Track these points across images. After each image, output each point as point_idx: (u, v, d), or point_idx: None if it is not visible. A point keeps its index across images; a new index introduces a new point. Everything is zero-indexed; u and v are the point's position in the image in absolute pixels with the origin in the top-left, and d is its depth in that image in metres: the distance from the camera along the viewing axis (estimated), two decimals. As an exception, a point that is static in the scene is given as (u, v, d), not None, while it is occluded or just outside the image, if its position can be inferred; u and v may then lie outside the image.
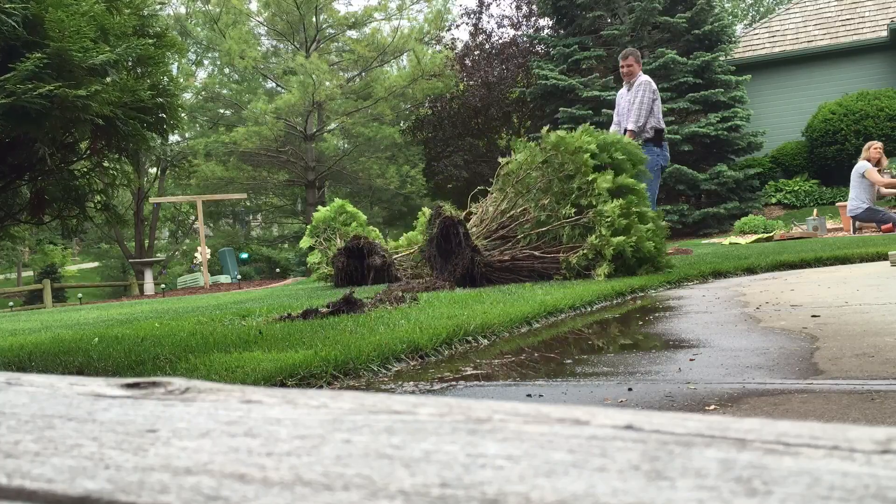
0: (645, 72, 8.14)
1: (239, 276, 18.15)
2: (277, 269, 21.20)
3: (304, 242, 9.20)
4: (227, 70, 22.19)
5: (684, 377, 2.19)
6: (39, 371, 3.16)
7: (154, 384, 0.57)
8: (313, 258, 8.90)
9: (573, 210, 5.68)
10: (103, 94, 2.81)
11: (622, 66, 7.91)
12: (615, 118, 8.11)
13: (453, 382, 2.39)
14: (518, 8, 21.48)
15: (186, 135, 22.31)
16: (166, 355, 3.06)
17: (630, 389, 2.07)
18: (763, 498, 0.32)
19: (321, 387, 2.42)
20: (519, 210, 6.03)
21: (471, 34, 21.70)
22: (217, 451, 0.42)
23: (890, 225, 10.16)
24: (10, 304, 18.38)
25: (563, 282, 5.52)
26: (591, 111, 15.70)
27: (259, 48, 21.76)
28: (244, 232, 28.51)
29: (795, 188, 15.73)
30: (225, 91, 21.68)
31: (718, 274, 5.82)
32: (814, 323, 3.00)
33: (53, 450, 0.45)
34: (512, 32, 21.31)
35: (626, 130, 7.63)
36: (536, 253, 5.87)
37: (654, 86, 7.70)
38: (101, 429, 0.48)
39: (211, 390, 0.55)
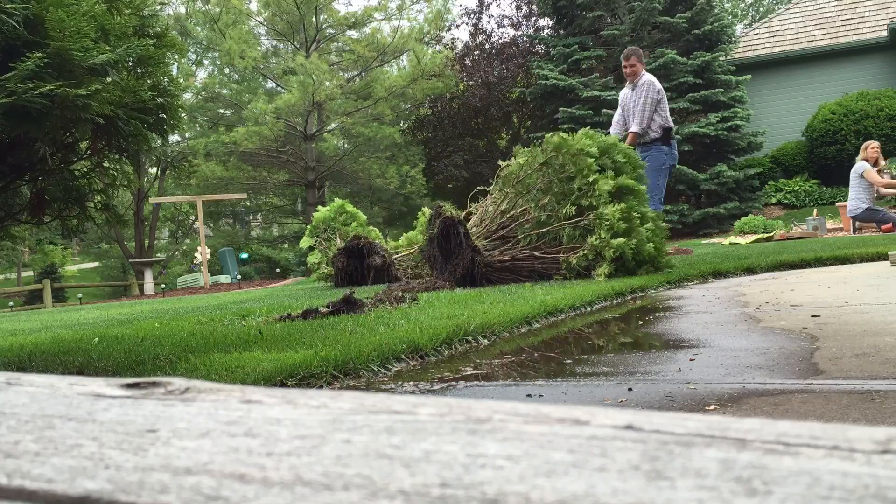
0: (647, 71, 8.10)
1: (239, 276, 18.15)
2: (277, 269, 21.20)
3: (304, 242, 9.20)
4: (227, 70, 22.19)
5: (684, 377, 2.19)
6: (39, 371, 3.16)
7: (154, 384, 0.57)
8: (313, 258, 8.90)
9: (574, 209, 5.69)
10: (104, 94, 2.81)
11: (625, 67, 7.83)
12: (617, 117, 8.06)
13: (453, 382, 2.39)
14: (518, 8, 21.47)
15: (186, 135, 22.31)
16: (166, 355, 3.06)
17: (630, 389, 2.07)
18: (763, 498, 0.32)
19: (321, 387, 2.42)
20: (519, 210, 6.04)
21: (471, 34, 21.70)
22: (217, 451, 0.42)
23: (890, 225, 10.16)
24: (10, 304, 18.38)
25: (563, 282, 5.52)
26: (591, 111, 15.70)
27: (259, 48, 21.76)
28: (244, 232, 28.51)
29: (795, 188, 15.73)
30: (225, 91, 21.68)
31: (718, 274, 5.82)
32: (814, 323, 3.00)
33: (53, 450, 0.45)
34: (512, 32, 21.31)
35: (625, 137, 7.62)
36: (536, 253, 5.88)
37: (658, 85, 7.64)
38: (101, 429, 0.48)
39: (211, 390, 0.55)
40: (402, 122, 22.04)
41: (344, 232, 8.89)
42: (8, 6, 2.69)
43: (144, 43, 3.15)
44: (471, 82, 20.69)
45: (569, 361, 2.66)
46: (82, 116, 2.79)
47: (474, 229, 6.12)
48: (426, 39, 21.67)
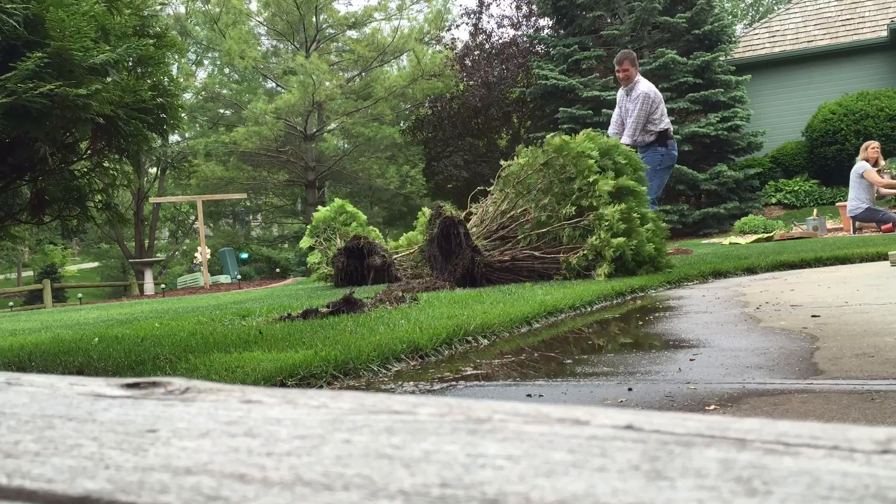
0: (644, 73, 8.08)
1: (239, 276, 18.15)
2: (277, 269, 21.20)
3: (304, 242, 9.20)
4: (227, 70, 22.19)
5: (684, 377, 2.19)
6: (39, 371, 3.16)
7: (154, 384, 0.57)
8: (313, 258, 8.90)
9: (574, 210, 5.70)
10: (104, 94, 2.81)
11: (618, 71, 7.83)
12: (615, 118, 8.07)
13: (453, 382, 2.39)
14: (518, 8, 21.48)
15: (186, 135, 22.31)
16: (166, 355, 3.06)
17: (630, 389, 2.07)
18: (763, 498, 0.32)
19: (321, 387, 2.42)
20: (519, 211, 6.04)
21: (471, 34, 21.70)
22: (217, 451, 0.42)
23: (890, 225, 10.16)
24: (10, 304, 18.38)
25: (563, 282, 5.52)
26: (591, 111, 15.70)
27: (259, 48, 21.76)
28: (244, 232, 28.51)
29: (795, 188, 15.73)
30: (225, 91, 21.68)
31: (718, 274, 5.82)
32: (814, 323, 3.00)
33: (53, 450, 0.45)
34: (512, 32, 21.32)
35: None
36: (536, 253, 5.88)
37: (652, 95, 7.63)
38: (101, 429, 0.48)
39: (211, 390, 0.55)
40: (402, 122, 22.05)
41: (344, 232, 8.89)
42: (8, 6, 2.69)
43: (144, 43, 3.15)
44: (471, 82, 20.69)
45: (569, 361, 2.66)
46: (82, 116, 2.79)
47: (474, 229, 6.12)
48: (426, 39, 21.67)
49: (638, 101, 7.55)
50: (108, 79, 2.97)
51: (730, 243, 10.58)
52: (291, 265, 20.67)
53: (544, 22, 20.41)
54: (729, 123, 15.33)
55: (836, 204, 13.03)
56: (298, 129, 20.50)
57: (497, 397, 2.17)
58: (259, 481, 0.38)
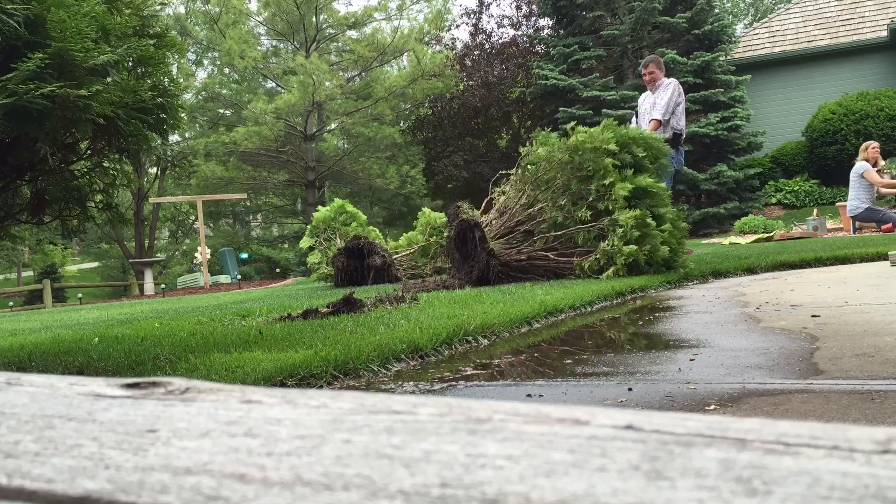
0: (648, 83, 8.05)
1: (239, 276, 18.15)
2: (277, 269, 21.20)
3: (304, 242, 9.20)
4: (227, 70, 22.19)
5: (684, 377, 2.19)
6: (39, 371, 3.16)
7: (154, 384, 0.57)
8: (313, 258, 8.90)
9: (589, 213, 5.73)
10: (104, 94, 2.81)
11: (644, 75, 7.82)
12: (633, 123, 8.02)
13: (453, 382, 2.39)
14: (518, 8, 21.48)
15: (186, 135, 22.32)
16: (166, 355, 3.06)
17: (630, 389, 2.07)
18: (763, 498, 0.32)
19: (321, 387, 2.42)
20: (537, 209, 6.07)
21: (471, 34, 21.70)
22: (217, 451, 0.42)
23: (890, 225, 10.16)
24: (10, 304, 18.38)
25: (573, 280, 5.56)
26: (591, 111, 15.70)
27: (259, 48, 21.77)
28: (244, 232, 28.51)
29: (795, 188, 15.73)
30: (225, 91, 21.68)
31: (718, 274, 5.82)
32: (814, 323, 3.00)
33: (53, 450, 0.45)
34: (512, 32, 21.32)
35: (648, 122, 7.54)
36: (551, 255, 5.94)
37: (681, 88, 7.64)
38: (101, 429, 0.48)
39: (211, 390, 0.55)
40: (402, 122, 22.05)
41: (344, 232, 8.89)
42: (9, 7, 2.69)
43: (144, 43, 3.15)
44: (471, 82, 20.69)
45: (569, 361, 2.66)
46: (83, 117, 2.79)
47: (494, 222, 6.15)
48: (426, 39, 21.68)
49: (670, 87, 7.50)
50: (109, 79, 2.98)
51: (730, 243, 10.59)
52: (291, 265, 20.67)
53: (544, 22, 20.41)
54: (729, 123, 15.33)
55: (836, 204, 13.03)
56: (298, 129, 20.50)
57: (497, 397, 2.17)
58: (259, 481, 0.38)
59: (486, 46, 21.20)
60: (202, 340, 3.49)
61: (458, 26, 30.32)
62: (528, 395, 2.13)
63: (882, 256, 5.87)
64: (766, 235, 11.10)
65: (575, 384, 2.23)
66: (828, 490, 0.32)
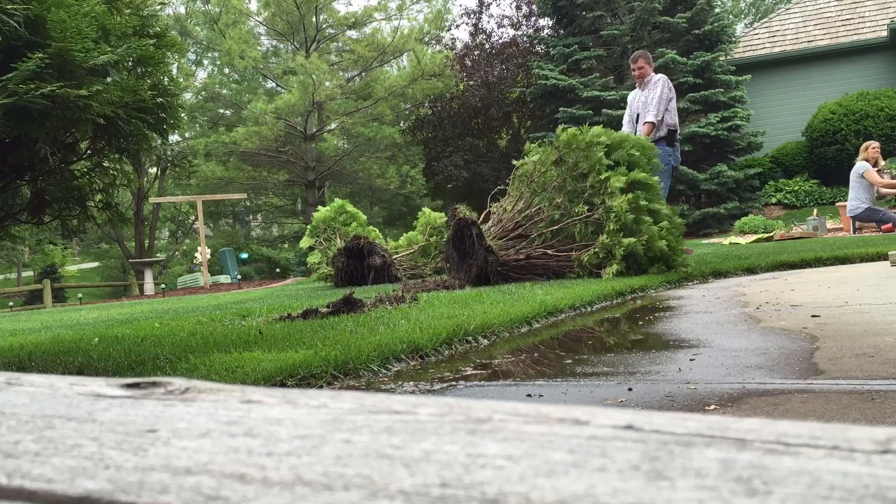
0: (656, 72, 8.01)
1: (239, 276, 18.15)
2: (277, 269, 21.20)
3: (304, 242, 9.21)
4: (227, 70, 22.20)
5: (684, 377, 2.19)
6: (39, 371, 3.16)
7: (154, 384, 0.57)
8: (313, 258, 8.90)
9: (585, 208, 5.72)
10: (104, 94, 2.81)
11: (633, 70, 7.78)
12: (626, 119, 8.00)
13: (453, 382, 2.39)
14: (518, 8, 21.47)
15: (186, 135, 22.32)
16: (166, 355, 3.06)
17: (630, 389, 2.07)
18: (763, 498, 0.32)
19: (321, 387, 2.42)
20: (534, 209, 6.08)
21: (471, 34, 21.69)
22: (217, 451, 0.42)
23: (890, 225, 10.16)
24: (10, 304, 18.38)
25: (574, 280, 5.56)
26: (591, 111, 15.70)
27: (259, 48, 21.77)
28: (244, 232, 28.51)
29: (795, 188, 15.73)
30: (225, 91, 21.68)
31: (718, 274, 5.82)
32: (814, 323, 3.00)
33: (53, 450, 0.45)
34: (512, 32, 21.31)
35: (642, 125, 7.52)
36: (550, 251, 5.92)
37: (671, 83, 7.61)
38: (101, 429, 0.48)
39: (211, 390, 0.55)
40: (402, 122, 22.05)
41: (344, 232, 8.89)
42: (9, 7, 2.69)
43: (144, 43, 3.15)
44: (471, 82, 20.69)
45: (569, 361, 2.66)
46: (83, 117, 2.79)
47: (492, 228, 6.17)
48: (426, 39, 21.68)
49: (658, 84, 7.46)
50: (109, 79, 2.98)
51: (730, 243, 10.58)
52: (291, 265, 20.67)
53: (544, 22, 20.40)
54: (729, 123, 15.32)
55: (836, 204, 13.03)
56: (298, 129, 20.50)
57: (497, 397, 2.17)
58: (259, 481, 0.38)
59: (486, 46, 21.20)
60: (202, 340, 3.49)
61: (458, 26, 30.32)
62: (528, 395, 2.13)
63: (882, 256, 5.87)
64: (766, 235, 11.10)
65: (575, 384, 2.23)
66: (828, 490, 0.32)
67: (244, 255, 21.62)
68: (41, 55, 2.65)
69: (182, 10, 22.47)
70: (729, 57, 16.65)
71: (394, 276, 7.83)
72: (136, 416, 0.50)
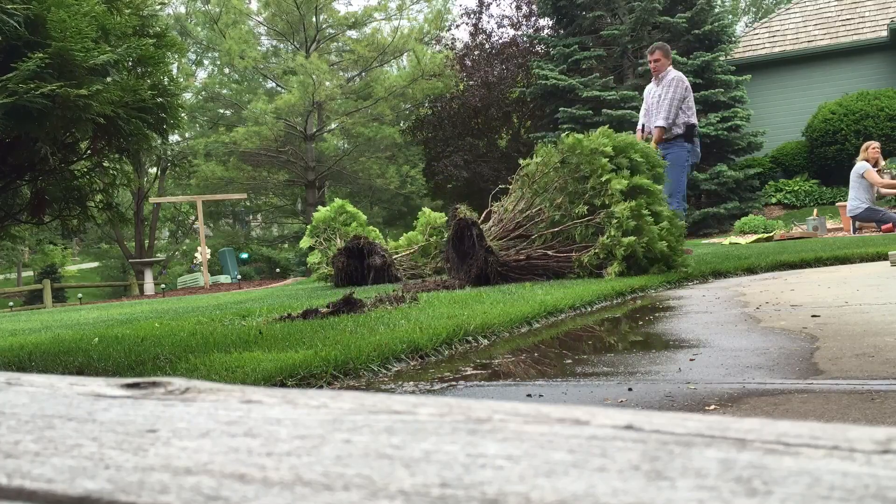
0: (644, 73, 8.00)
1: (239, 276, 18.15)
2: (277, 269, 21.20)
3: (304, 242, 9.21)
4: (227, 70, 22.20)
5: (684, 377, 2.19)
6: (39, 371, 3.16)
7: (154, 384, 0.57)
8: (313, 258, 8.91)
9: (586, 209, 5.74)
10: (104, 94, 2.81)
11: (650, 62, 7.75)
12: (642, 112, 7.96)
13: (453, 382, 2.39)
14: (518, 8, 21.47)
15: (186, 135, 22.33)
16: (166, 355, 3.06)
17: (630, 389, 2.07)
18: (763, 498, 0.32)
19: (321, 387, 2.42)
20: (535, 210, 6.09)
21: (471, 34, 21.69)
22: (217, 451, 0.42)
23: (890, 225, 10.16)
24: (10, 304, 18.39)
25: (574, 280, 5.57)
26: (591, 111, 15.70)
27: (259, 48, 21.77)
28: (244, 232, 28.51)
29: (795, 188, 15.73)
30: (225, 91, 21.69)
31: (718, 274, 5.82)
32: (814, 323, 3.00)
33: (53, 450, 0.45)
34: (512, 32, 21.30)
35: (654, 127, 7.50)
36: (550, 252, 5.94)
37: (686, 82, 7.53)
38: (101, 429, 0.48)
39: (211, 390, 0.55)
40: (402, 122, 22.05)
41: (344, 232, 8.89)
42: (9, 6, 2.69)
43: (144, 43, 3.15)
44: (471, 82, 20.68)
45: (569, 361, 2.66)
46: (83, 116, 2.79)
47: (493, 228, 6.18)
48: (426, 39, 21.68)
49: (672, 84, 7.41)
50: (109, 79, 2.98)
51: (730, 243, 10.59)
52: (291, 265, 20.68)
53: (544, 22, 20.40)
54: (729, 123, 15.32)
55: (836, 204, 13.03)
56: (298, 129, 20.50)
57: (497, 397, 2.17)
58: (259, 481, 0.38)
59: (486, 46, 21.19)
60: (202, 340, 3.49)
61: (458, 26, 30.31)
62: (528, 395, 2.13)
63: (882, 256, 5.87)
64: (766, 235, 11.10)
65: (575, 384, 2.23)
66: (828, 490, 0.32)
67: (244, 255, 21.63)
68: (41, 55, 2.65)
69: (182, 10, 22.49)
70: (729, 57, 16.65)
71: (394, 276, 7.83)
72: (136, 416, 0.50)
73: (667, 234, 5.69)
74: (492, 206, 6.63)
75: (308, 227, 9.48)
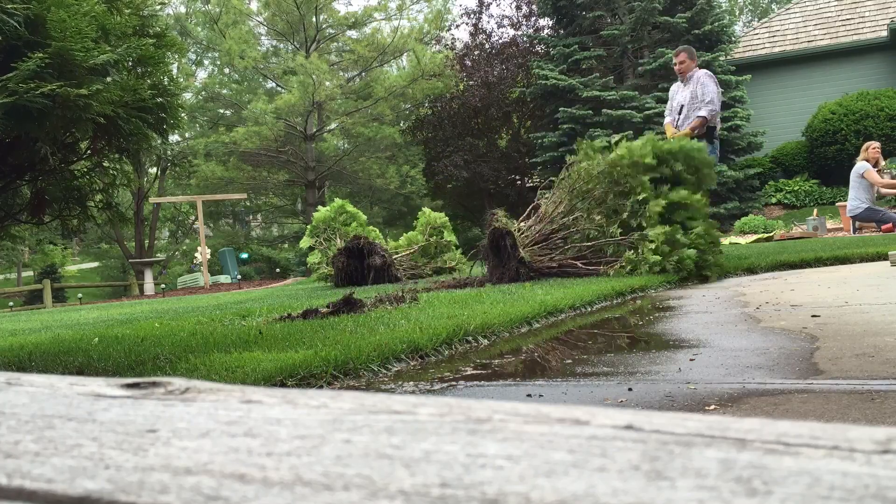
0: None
1: (239, 276, 18.15)
2: (277, 269, 21.20)
3: (304, 242, 9.21)
4: (227, 70, 22.19)
5: (684, 377, 2.19)
6: (39, 371, 3.16)
7: (154, 384, 0.57)
8: (313, 258, 8.91)
9: (619, 231, 5.84)
10: (105, 94, 2.81)
11: (675, 64, 7.76)
12: (667, 111, 7.95)
13: (453, 382, 2.39)
14: (518, 8, 21.45)
15: (186, 135, 22.32)
16: (166, 355, 3.06)
17: (630, 389, 2.07)
18: (763, 498, 0.32)
19: (321, 387, 2.42)
20: (572, 218, 6.16)
21: (471, 34, 21.67)
22: (217, 451, 0.42)
23: (890, 225, 10.16)
24: (10, 304, 18.39)
25: (574, 279, 5.59)
26: (591, 111, 15.69)
27: (259, 48, 21.76)
28: (244, 232, 28.50)
29: (795, 188, 15.72)
30: (225, 91, 21.68)
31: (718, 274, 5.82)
32: (814, 323, 3.00)
33: (53, 450, 0.45)
34: (512, 32, 21.29)
35: (694, 119, 7.44)
36: (580, 263, 6.02)
37: (715, 78, 7.57)
38: (101, 429, 0.48)
39: (211, 390, 0.55)
40: (402, 122, 22.04)
41: (344, 232, 8.89)
42: (9, 6, 2.69)
43: (144, 43, 3.15)
44: (471, 82, 20.67)
45: (569, 361, 2.66)
46: (83, 116, 2.79)
47: (532, 228, 6.24)
48: (426, 39, 21.67)
49: (708, 80, 7.39)
50: (109, 79, 2.98)
51: (730, 243, 10.59)
52: (291, 265, 20.67)
53: (544, 22, 20.38)
54: (729, 123, 15.32)
55: (836, 204, 13.03)
56: (298, 129, 20.50)
57: (497, 397, 2.17)
58: (259, 481, 0.38)
59: (486, 46, 21.18)
60: (202, 340, 3.49)
61: (458, 26, 30.30)
62: (528, 395, 2.13)
63: (882, 256, 5.87)
64: (766, 235, 11.10)
65: (575, 384, 2.23)
66: (828, 490, 0.32)
67: (244, 255, 21.63)
68: (41, 55, 2.65)
69: (182, 10, 22.48)
70: (729, 57, 16.65)
71: (394, 276, 7.83)
72: (136, 416, 0.50)
73: (704, 243, 5.69)
74: (539, 199, 6.67)
75: (308, 227, 9.48)
